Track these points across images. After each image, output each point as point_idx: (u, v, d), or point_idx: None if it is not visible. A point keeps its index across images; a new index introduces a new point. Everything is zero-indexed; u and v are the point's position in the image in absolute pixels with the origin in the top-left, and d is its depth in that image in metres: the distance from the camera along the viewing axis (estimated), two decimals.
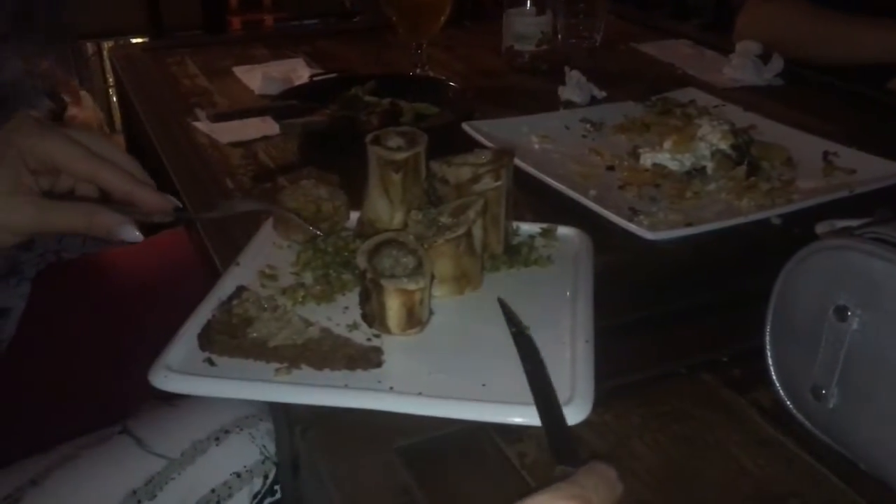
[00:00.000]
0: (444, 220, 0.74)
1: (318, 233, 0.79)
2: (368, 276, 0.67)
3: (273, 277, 0.77)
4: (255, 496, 0.74)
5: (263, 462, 0.75)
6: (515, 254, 0.81)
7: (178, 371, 0.63)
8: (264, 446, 0.75)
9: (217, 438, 0.73)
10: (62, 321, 1.04)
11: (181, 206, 0.73)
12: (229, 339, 0.65)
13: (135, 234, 0.67)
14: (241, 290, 0.72)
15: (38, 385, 0.99)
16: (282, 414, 0.65)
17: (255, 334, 0.66)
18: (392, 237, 0.71)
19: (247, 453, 0.75)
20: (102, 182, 0.69)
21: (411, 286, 0.66)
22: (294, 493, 0.68)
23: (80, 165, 0.68)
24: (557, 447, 0.55)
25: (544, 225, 0.86)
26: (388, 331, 0.68)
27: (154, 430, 0.74)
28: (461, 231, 0.72)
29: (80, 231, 0.68)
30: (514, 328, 0.67)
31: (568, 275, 0.78)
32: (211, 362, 0.64)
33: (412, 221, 0.75)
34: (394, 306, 0.66)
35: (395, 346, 0.67)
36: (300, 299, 0.73)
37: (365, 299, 0.69)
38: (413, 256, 0.69)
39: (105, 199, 0.71)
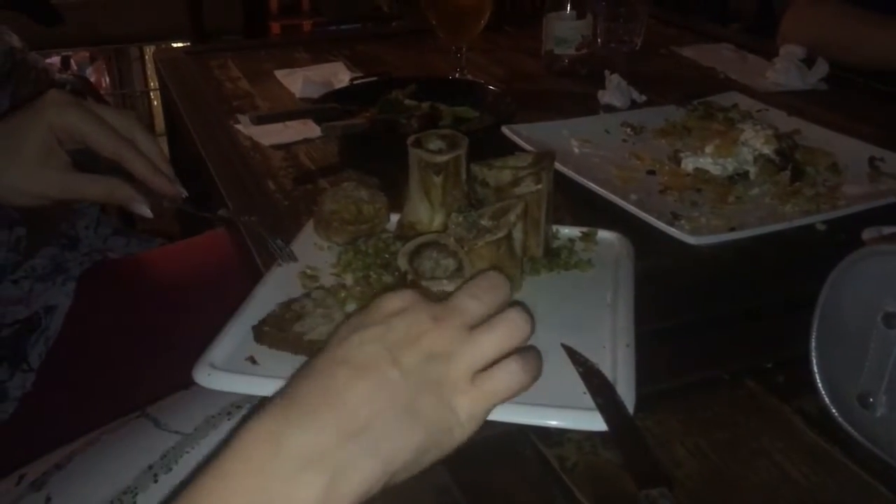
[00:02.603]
0: (485, 222, 0.74)
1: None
2: (409, 277, 0.67)
3: (314, 278, 0.77)
4: None
5: None
6: (555, 257, 0.81)
7: (221, 369, 0.63)
8: None
9: (229, 413, 0.74)
10: (106, 319, 1.06)
11: (187, 195, 0.82)
12: (277, 332, 0.66)
13: (145, 211, 0.78)
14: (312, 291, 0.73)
15: (82, 381, 1.01)
16: None
17: (300, 329, 0.67)
18: (433, 239, 0.71)
19: None
20: (123, 163, 0.77)
21: (451, 288, 0.66)
22: None
23: (105, 145, 0.76)
24: (640, 472, 0.54)
25: (584, 229, 0.85)
26: None
27: (170, 411, 0.75)
28: (501, 234, 0.72)
29: (100, 201, 0.74)
30: (581, 367, 0.63)
31: (608, 279, 0.77)
32: (253, 361, 0.65)
33: (453, 224, 0.75)
34: None
35: None
36: (341, 300, 0.73)
37: None
38: (453, 259, 0.69)
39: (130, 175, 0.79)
